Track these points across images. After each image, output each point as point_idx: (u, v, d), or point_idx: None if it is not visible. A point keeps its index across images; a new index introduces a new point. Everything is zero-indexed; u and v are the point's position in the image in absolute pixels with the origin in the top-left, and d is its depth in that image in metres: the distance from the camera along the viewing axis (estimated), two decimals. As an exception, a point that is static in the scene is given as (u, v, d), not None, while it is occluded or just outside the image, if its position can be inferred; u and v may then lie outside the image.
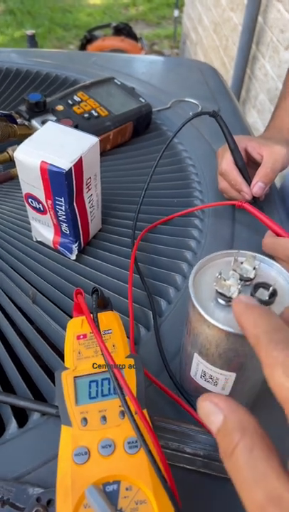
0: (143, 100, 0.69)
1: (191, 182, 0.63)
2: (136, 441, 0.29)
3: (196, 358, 0.32)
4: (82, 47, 2.72)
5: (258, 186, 0.53)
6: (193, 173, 0.65)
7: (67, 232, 0.49)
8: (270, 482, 0.18)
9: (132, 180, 0.63)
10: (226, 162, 0.56)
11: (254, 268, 0.29)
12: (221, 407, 0.21)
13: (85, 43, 2.71)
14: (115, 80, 0.72)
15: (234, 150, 0.55)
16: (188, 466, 0.34)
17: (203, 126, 0.73)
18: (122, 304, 0.46)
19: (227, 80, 1.90)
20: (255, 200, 0.55)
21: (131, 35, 2.77)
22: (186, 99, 0.80)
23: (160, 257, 0.52)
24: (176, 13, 3.24)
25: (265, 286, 0.28)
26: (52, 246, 0.52)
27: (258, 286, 0.28)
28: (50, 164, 0.42)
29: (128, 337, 0.43)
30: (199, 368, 0.33)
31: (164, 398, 0.39)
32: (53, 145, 0.44)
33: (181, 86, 0.86)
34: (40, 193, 0.45)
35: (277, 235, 0.49)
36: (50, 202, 0.46)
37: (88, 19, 4.02)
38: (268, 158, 0.54)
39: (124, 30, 2.76)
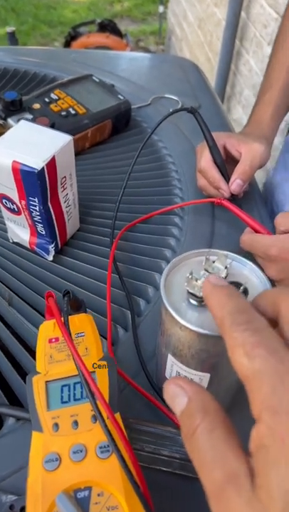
0: (122, 97, 0.69)
1: (171, 179, 0.63)
2: (108, 446, 0.28)
3: (170, 359, 0.32)
4: (67, 44, 2.69)
5: (236, 184, 0.53)
6: (173, 170, 0.64)
7: (43, 233, 0.48)
8: (228, 462, 0.18)
9: (111, 179, 0.62)
10: (205, 159, 0.55)
11: (226, 267, 0.29)
12: (186, 389, 0.21)
13: (70, 39, 2.68)
14: (93, 77, 0.71)
15: (212, 147, 0.54)
16: (164, 469, 0.34)
17: (183, 123, 0.73)
18: (101, 304, 0.46)
19: (212, 76, 1.90)
20: (234, 198, 0.55)
21: (116, 31, 2.75)
22: (167, 96, 0.79)
23: (139, 256, 0.51)
24: (161, 9, 3.23)
25: (237, 284, 0.28)
26: (28, 247, 0.51)
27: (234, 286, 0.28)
28: (22, 164, 0.41)
29: (105, 338, 0.43)
30: (174, 368, 0.32)
31: (142, 399, 0.38)
32: (25, 144, 0.44)
33: (161, 83, 0.85)
34: (13, 194, 0.44)
35: (256, 231, 0.48)
36: (24, 202, 0.45)
37: (73, 16, 3.99)
38: (246, 156, 0.54)
39: (108, 27, 2.74)
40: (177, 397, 0.21)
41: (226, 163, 0.56)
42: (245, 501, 0.17)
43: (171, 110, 0.55)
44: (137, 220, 0.55)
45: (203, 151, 0.56)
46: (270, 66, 0.64)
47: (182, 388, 0.21)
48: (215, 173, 0.54)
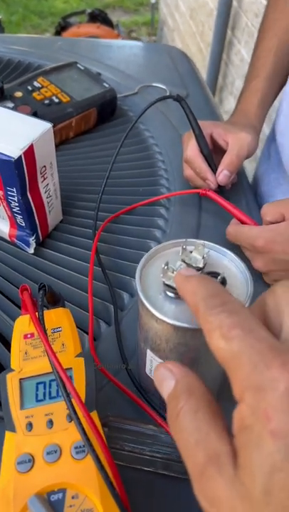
0: (107, 85, 0.67)
1: (157, 170, 0.61)
2: (83, 446, 0.27)
3: (149, 354, 0.31)
4: (57, 34, 2.65)
5: (223, 174, 0.52)
6: (160, 160, 0.62)
7: (23, 225, 0.46)
8: (211, 443, 0.18)
9: (96, 169, 0.60)
10: (191, 148, 0.54)
11: (203, 257, 0.27)
12: (174, 372, 0.21)
13: (60, 30, 2.64)
14: (78, 65, 0.69)
15: (199, 136, 0.53)
16: (146, 468, 0.32)
17: (170, 112, 0.71)
18: (83, 298, 0.44)
19: (204, 67, 1.88)
20: (221, 189, 0.53)
21: (107, 21, 2.71)
22: (154, 84, 0.77)
23: (124, 249, 0.50)
24: (153, -1, 3.19)
25: (215, 274, 0.27)
26: (8, 239, 0.49)
27: (206, 275, 0.27)
28: (-2, 152, 0.40)
29: (87, 333, 0.41)
30: (153, 364, 0.31)
31: (123, 397, 0.37)
32: (2, 132, 0.42)
33: (149, 71, 0.83)
34: (-10, 184, 0.43)
35: (242, 222, 0.47)
36: (1, 193, 0.43)
37: (64, 6, 3.93)
38: (233, 146, 0.52)
39: (99, 17, 2.70)
40: (165, 380, 0.21)
41: (213, 153, 0.54)
42: (227, 482, 0.17)
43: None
44: (121, 212, 0.53)
45: (190, 140, 0.54)
46: (255, 54, 0.63)
47: (170, 371, 0.21)
48: (201, 163, 0.53)
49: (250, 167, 0.83)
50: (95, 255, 0.48)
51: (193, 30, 2.23)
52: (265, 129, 1.33)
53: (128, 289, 0.46)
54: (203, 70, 1.86)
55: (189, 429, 0.19)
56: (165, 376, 0.21)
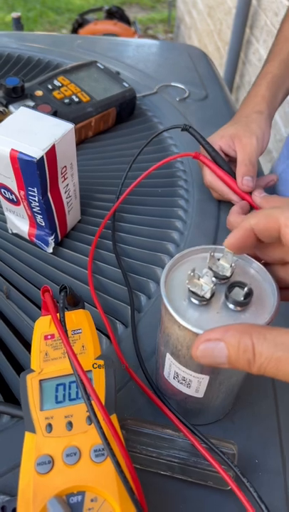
0: (127, 85, 0.67)
1: (176, 171, 0.61)
2: (103, 449, 0.27)
3: (169, 359, 0.30)
4: (74, 31, 2.65)
5: (246, 180, 0.51)
6: (179, 161, 0.62)
7: (43, 224, 0.46)
8: None
9: (115, 169, 0.60)
10: (208, 174, 0.54)
11: (231, 265, 0.27)
12: (213, 337, 0.22)
13: (77, 27, 2.64)
14: (98, 64, 0.69)
15: (216, 157, 0.53)
16: (163, 472, 0.32)
17: (189, 113, 0.71)
18: (101, 299, 0.44)
19: (221, 65, 1.86)
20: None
21: (124, 19, 2.70)
22: (173, 84, 0.77)
23: (141, 250, 0.50)
24: (170, -4, 3.17)
25: (241, 285, 0.26)
26: (28, 238, 0.49)
27: (233, 285, 0.26)
28: (21, 152, 0.40)
29: (105, 334, 0.41)
30: (172, 369, 0.31)
31: (140, 398, 0.37)
32: (24, 132, 0.42)
33: (168, 70, 0.83)
34: (12, 183, 0.43)
35: (229, 186, 0.51)
36: (22, 192, 0.43)
37: (81, 2, 3.93)
38: (242, 156, 0.52)
39: (116, 14, 2.69)
40: (214, 351, 0.22)
41: (230, 163, 0.54)
42: None
43: (161, 128, 0.54)
44: (135, 183, 0.53)
45: (204, 166, 0.54)
46: (274, 43, 0.62)
47: (211, 340, 0.22)
48: (222, 187, 0.53)
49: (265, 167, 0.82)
50: (116, 257, 0.48)
51: (210, 28, 2.21)
52: (282, 128, 1.32)
53: (145, 291, 0.46)
54: (220, 69, 1.85)
55: (269, 350, 0.21)
56: (210, 346, 0.22)
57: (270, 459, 0.34)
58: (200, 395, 0.31)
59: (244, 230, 0.27)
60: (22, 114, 0.45)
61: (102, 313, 0.42)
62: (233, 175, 0.52)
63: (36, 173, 0.40)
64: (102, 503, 0.26)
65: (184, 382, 0.30)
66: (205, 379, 0.29)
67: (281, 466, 0.34)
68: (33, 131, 0.42)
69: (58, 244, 0.50)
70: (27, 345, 0.41)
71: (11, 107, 0.59)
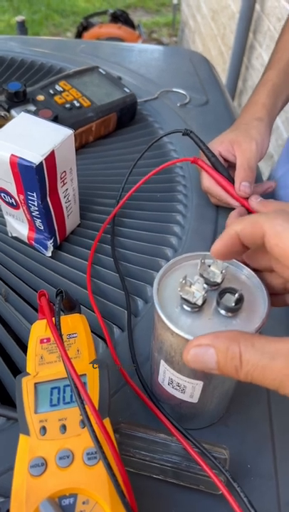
0: (128, 90, 0.67)
1: (175, 176, 0.61)
2: (95, 452, 0.27)
3: (163, 365, 0.31)
4: (78, 34, 2.67)
5: (243, 186, 0.51)
6: (178, 166, 0.63)
7: (42, 228, 0.47)
8: (284, 349, 0.21)
9: (115, 174, 0.61)
10: (206, 178, 0.54)
11: (222, 272, 0.28)
12: (204, 342, 0.23)
13: (82, 30, 2.65)
14: (100, 69, 0.70)
15: (215, 163, 0.53)
16: (156, 476, 0.33)
17: (190, 119, 0.71)
18: (98, 303, 0.45)
19: (224, 70, 1.87)
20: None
21: (128, 22, 2.72)
22: (174, 90, 0.78)
23: (139, 254, 0.50)
24: (175, 0, 3.18)
25: (232, 291, 0.27)
26: (27, 242, 0.50)
27: (224, 291, 0.27)
28: (20, 158, 0.40)
29: (101, 338, 0.42)
30: (166, 375, 0.31)
31: (135, 402, 0.37)
32: (24, 137, 0.43)
33: (170, 76, 0.83)
34: (11, 188, 0.44)
35: (227, 191, 0.52)
36: (22, 197, 0.44)
37: (86, 5, 3.95)
38: (242, 161, 0.52)
39: (121, 18, 2.70)
40: (204, 356, 0.23)
41: (229, 168, 0.54)
42: None
43: (162, 133, 0.54)
44: (134, 189, 0.53)
45: (202, 171, 0.55)
46: (274, 50, 0.62)
47: (201, 345, 0.23)
48: (220, 192, 0.53)
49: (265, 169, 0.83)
50: (114, 261, 0.48)
51: (214, 32, 2.22)
52: (284, 133, 1.32)
53: (142, 295, 0.47)
54: (223, 74, 1.86)
55: (256, 358, 0.21)
56: (200, 353, 0.23)
57: (263, 464, 0.34)
58: (194, 400, 0.31)
59: (229, 236, 0.27)
60: (22, 120, 0.45)
61: (100, 317, 0.43)
62: (231, 180, 0.53)
63: (35, 178, 0.41)
64: (93, 506, 0.26)
65: (178, 388, 0.31)
66: (199, 384, 0.29)
67: (273, 471, 0.34)
68: (33, 136, 0.43)
69: (57, 248, 0.50)
70: (25, 349, 0.41)
71: (13, 112, 0.60)
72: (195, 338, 0.24)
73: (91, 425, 0.27)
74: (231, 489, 0.29)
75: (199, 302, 0.26)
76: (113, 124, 0.67)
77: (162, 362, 0.31)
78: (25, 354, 0.40)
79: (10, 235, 0.51)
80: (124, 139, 0.68)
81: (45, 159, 0.41)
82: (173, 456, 0.32)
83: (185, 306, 0.27)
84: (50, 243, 0.48)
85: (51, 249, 0.49)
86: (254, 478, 0.34)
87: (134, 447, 0.33)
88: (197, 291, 0.26)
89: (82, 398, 0.27)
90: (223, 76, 1.81)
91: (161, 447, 0.33)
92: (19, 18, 1.36)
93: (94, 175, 0.61)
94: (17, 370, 0.40)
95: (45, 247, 0.49)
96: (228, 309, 0.26)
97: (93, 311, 0.43)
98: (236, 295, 0.26)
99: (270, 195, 0.66)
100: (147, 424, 0.34)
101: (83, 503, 0.26)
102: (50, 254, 0.49)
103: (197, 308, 0.27)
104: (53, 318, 0.31)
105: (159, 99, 0.76)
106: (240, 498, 0.29)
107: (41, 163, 0.40)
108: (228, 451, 0.32)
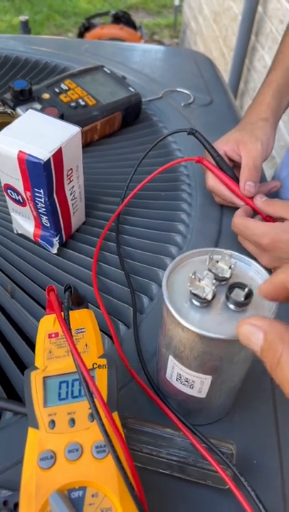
0: (132, 89, 0.67)
1: (179, 175, 0.62)
2: (104, 446, 0.28)
3: (171, 361, 0.31)
4: (80, 35, 2.67)
5: (248, 186, 0.51)
6: (182, 165, 0.63)
7: (48, 225, 0.47)
8: None
9: (119, 172, 0.61)
10: (211, 178, 0.55)
11: (230, 267, 0.28)
12: (259, 325, 0.23)
13: (83, 31, 2.66)
14: (105, 69, 0.70)
15: (220, 162, 0.53)
16: (162, 471, 0.33)
17: (194, 118, 0.72)
18: (103, 299, 0.45)
19: (226, 72, 1.88)
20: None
21: (130, 23, 2.72)
22: (179, 90, 0.78)
23: (144, 252, 0.51)
24: (176, 1, 3.19)
25: (241, 286, 0.27)
26: (33, 239, 0.50)
27: (233, 286, 0.27)
28: (28, 154, 0.40)
29: (107, 334, 0.42)
30: (174, 370, 0.31)
31: (141, 398, 0.37)
32: (32, 134, 0.43)
33: (174, 76, 0.84)
34: (18, 184, 0.44)
35: (232, 190, 0.52)
36: (29, 193, 0.44)
37: (88, 6, 3.95)
38: (247, 160, 0.53)
39: (123, 19, 2.71)
40: (253, 335, 0.23)
41: (234, 168, 0.55)
42: None
43: (166, 132, 0.55)
44: (138, 187, 0.54)
45: (207, 171, 0.55)
46: (278, 50, 0.63)
47: (254, 325, 0.23)
48: (224, 191, 0.54)
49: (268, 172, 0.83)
50: (120, 258, 0.48)
51: (216, 34, 2.23)
52: (285, 134, 1.33)
53: (147, 293, 0.47)
54: (225, 75, 1.86)
55: None
56: (251, 331, 0.23)
57: (268, 460, 0.34)
58: (202, 395, 0.31)
59: (276, 286, 0.26)
60: (30, 117, 0.46)
61: (105, 313, 0.43)
62: (236, 180, 0.53)
63: (43, 175, 0.41)
64: (102, 498, 0.26)
65: (186, 383, 0.31)
66: (208, 379, 0.29)
67: (279, 467, 0.34)
68: (41, 133, 0.43)
69: (63, 245, 0.50)
70: (31, 344, 0.41)
71: (19, 110, 0.60)
72: (252, 317, 0.23)
73: (100, 418, 0.27)
74: (238, 483, 0.29)
75: (209, 297, 0.26)
76: (118, 123, 0.67)
77: (171, 357, 0.31)
78: (32, 350, 0.41)
79: (15, 232, 0.52)
80: (128, 137, 0.68)
81: (53, 156, 0.41)
82: (179, 451, 0.33)
83: (194, 301, 0.27)
84: (56, 240, 0.48)
85: (57, 246, 0.49)
86: (260, 473, 0.34)
87: (140, 442, 0.33)
88: (207, 286, 0.27)
89: (91, 392, 0.28)
90: (225, 77, 1.81)
91: (167, 442, 0.33)
92: (23, 17, 1.36)
93: (99, 173, 0.61)
94: (23, 365, 0.40)
95: (51, 244, 0.49)
96: (237, 304, 0.26)
97: (99, 308, 0.44)
98: (246, 290, 0.26)
99: (274, 195, 0.66)
100: (153, 420, 0.35)
101: (92, 495, 0.26)
102: (55, 251, 0.49)
103: (206, 303, 0.27)
104: (62, 313, 0.32)
105: (164, 98, 0.76)
106: (248, 492, 0.29)
107: (49, 159, 0.41)
108: (235, 446, 0.32)
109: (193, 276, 0.27)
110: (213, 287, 0.27)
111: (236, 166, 0.55)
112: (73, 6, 3.95)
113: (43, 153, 0.41)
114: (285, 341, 0.22)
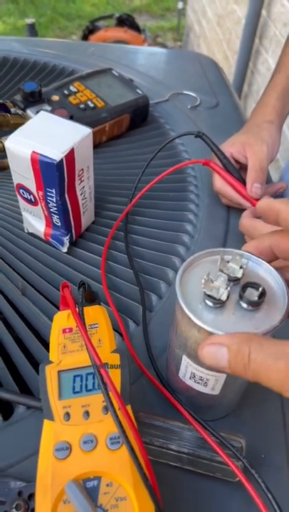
0: (140, 92, 0.68)
1: (186, 176, 0.63)
2: (118, 437, 0.28)
3: (185, 360, 0.32)
4: (85, 37, 2.69)
5: (255, 187, 0.52)
6: (190, 167, 0.64)
7: (59, 225, 0.48)
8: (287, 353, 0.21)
9: (127, 173, 0.62)
10: (218, 180, 0.55)
11: (241, 267, 0.29)
12: (219, 341, 0.24)
13: (88, 33, 2.68)
14: (113, 71, 0.71)
15: (227, 164, 0.54)
16: (173, 463, 0.34)
17: (200, 121, 0.73)
18: (113, 297, 0.46)
19: (229, 74, 1.89)
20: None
21: (134, 26, 2.74)
22: (185, 92, 0.79)
23: (152, 251, 0.51)
24: (180, 5, 3.20)
25: (254, 286, 0.28)
26: (43, 238, 0.51)
27: (246, 286, 0.28)
28: (41, 155, 0.41)
29: (117, 331, 0.43)
30: (188, 369, 0.32)
31: (152, 393, 0.38)
32: (44, 135, 0.44)
33: (180, 78, 0.85)
34: (31, 184, 0.45)
35: (238, 192, 0.53)
36: (41, 193, 0.45)
37: (92, 9, 3.98)
38: (253, 162, 0.53)
39: (127, 22, 2.72)
40: (217, 353, 0.23)
41: (241, 170, 0.55)
42: None
43: (173, 134, 0.56)
44: (147, 187, 0.54)
45: (214, 173, 0.56)
46: (282, 52, 0.63)
47: (215, 344, 0.24)
48: (231, 192, 0.54)
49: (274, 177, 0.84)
50: (128, 257, 0.49)
51: (220, 37, 2.24)
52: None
53: (156, 291, 0.48)
54: (228, 78, 1.87)
55: (262, 358, 0.22)
56: (213, 350, 0.24)
57: (276, 454, 0.35)
58: (216, 392, 0.32)
59: (263, 246, 0.29)
60: (42, 118, 0.47)
61: (115, 311, 0.44)
62: (242, 182, 0.54)
63: (56, 175, 0.42)
64: (117, 488, 0.27)
65: (200, 381, 0.32)
66: (222, 377, 0.30)
67: (287, 461, 0.35)
68: (53, 134, 0.44)
69: (73, 244, 0.51)
70: (42, 341, 0.42)
71: (29, 111, 0.61)
72: (210, 337, 0.25)
73: (114, 410, 0.28)
74: (248, 476, 0.30)
75: (224, 298, 0.27)
76: (126, 125, 0.68)
77: (184, 357, 0.31)
78: (43, 346, 0.41)
79: (26, 231, 0.53)
80: (136, 139, 0.69)
81: (66, 156, 0.42)
82: (189, 444, 0.33)
83: (208, 302, 0.28)
84: (66, 239, 0.49)
85: (67, 245, 0.50)
86: (268, 467, 0.34)
87: (151, 435, 0.34)
88: (221, 287, 0.27)
89: (105, 384, 0.28)
90: (229, 80, 1.82)
91: (177, 435, 0.34)
92: (29, 20, 1.37)
93: (107, 174, 0.62)
94: (35, 361, 0.41)
95: (62, 243, 0.50)
96: (251, 303, 0.27)
97: (109, 306, 0.45)
98: (260, 289, 0.27)
99: (280, 196, 0.67)
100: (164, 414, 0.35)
101: (107, 485, 0.27)
102: (66, 250, 0.50)
103: (220, 304, 0.28)
104: (76, 309, 0.32)
105: (170, 101, 0.77)
106: (258, 484, 0.30)
107: (62, 160, 0.42)
108: (244, 440, 0.33)
109: (206, 278, 0.27)
110: (228, 288, 0.27)
111: (242, 168, 0.56)
112: (77, 9, 3.97)
113: (55, 153, 0.42)
114: (248, 342, 0.22)
